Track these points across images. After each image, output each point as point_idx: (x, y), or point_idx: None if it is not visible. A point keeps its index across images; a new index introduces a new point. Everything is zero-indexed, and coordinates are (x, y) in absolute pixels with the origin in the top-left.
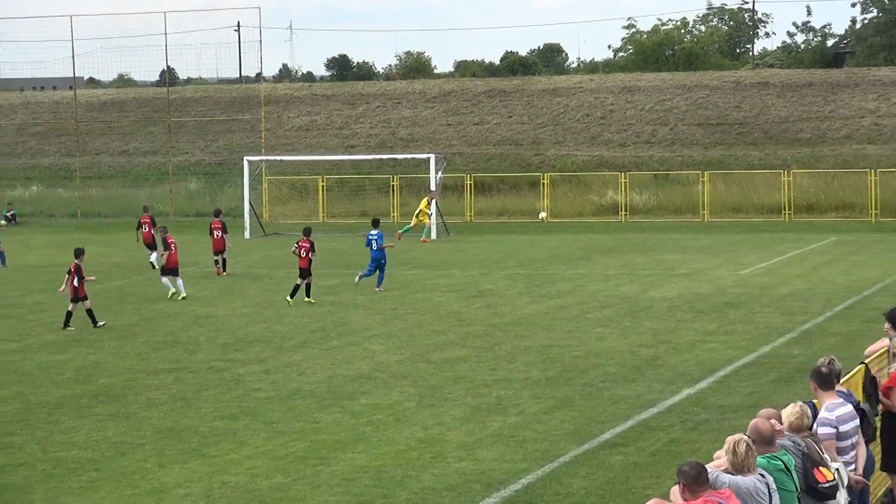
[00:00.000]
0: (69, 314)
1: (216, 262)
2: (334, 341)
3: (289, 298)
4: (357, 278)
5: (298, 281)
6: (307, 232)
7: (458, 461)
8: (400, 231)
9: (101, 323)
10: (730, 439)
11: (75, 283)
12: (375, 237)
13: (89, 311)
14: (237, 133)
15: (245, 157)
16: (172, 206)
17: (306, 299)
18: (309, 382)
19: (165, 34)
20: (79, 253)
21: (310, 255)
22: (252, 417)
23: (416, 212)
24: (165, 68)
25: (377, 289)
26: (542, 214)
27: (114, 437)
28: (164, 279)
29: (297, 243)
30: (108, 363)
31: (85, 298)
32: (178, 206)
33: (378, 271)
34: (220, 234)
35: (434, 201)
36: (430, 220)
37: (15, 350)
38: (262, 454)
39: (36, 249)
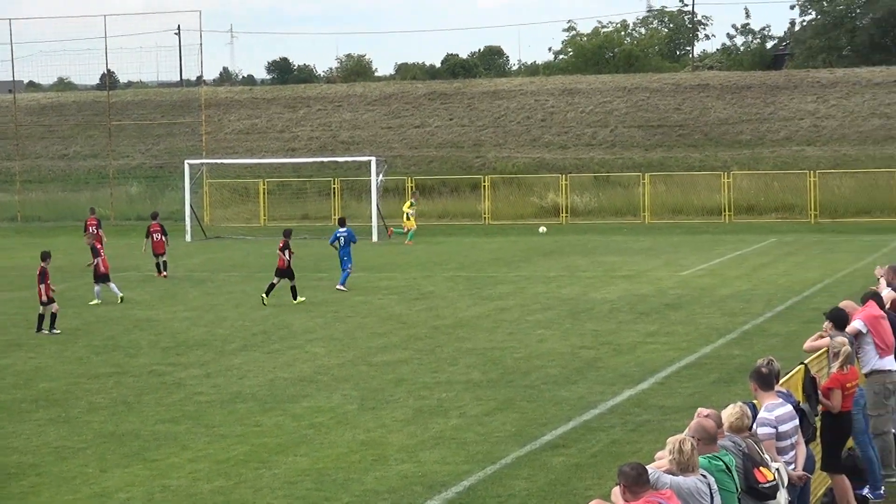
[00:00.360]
0: (54, 316)
1: (157, 265)
2: (276, 344)
3: (264, 295)
4: (343, 285)
5: (274, 280)
6: (285, 233)
7: (399, 463)
8: (408, 240)
9: (44, 331)
10: (672, 439)
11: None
12: (345, 234)
13: (41, 317)
14: (178, 136)
15: (186, 161)
16: (113, 210)
17: (292, 298)
18: (250, 386)
19: (105, 37)
20: (45, 256)
21: (284, 254)
22: (193, 421)
23: (406, 213)
24: (105, 72)
25: (340, 286)
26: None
27: (55, 441)
28: (97, 287)
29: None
30: (49, 367)
31: (49, 302)
32: (118, 209)
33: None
34: (159, 237)
35: (376, 203)
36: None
37: None
38: (204, 458)
39: None
